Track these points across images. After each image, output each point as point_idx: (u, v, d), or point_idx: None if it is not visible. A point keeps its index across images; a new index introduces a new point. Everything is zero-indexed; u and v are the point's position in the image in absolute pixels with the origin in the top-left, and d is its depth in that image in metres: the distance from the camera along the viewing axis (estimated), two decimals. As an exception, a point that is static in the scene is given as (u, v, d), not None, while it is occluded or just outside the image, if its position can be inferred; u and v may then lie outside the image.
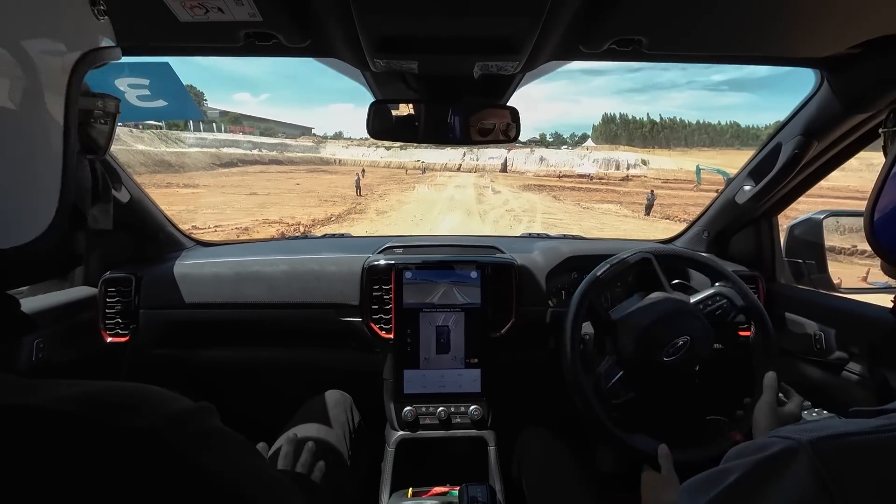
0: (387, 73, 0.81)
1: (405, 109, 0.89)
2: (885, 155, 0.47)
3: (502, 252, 1.24)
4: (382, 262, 1.14)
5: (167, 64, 0.99)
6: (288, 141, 70.27)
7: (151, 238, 1.21)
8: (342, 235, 1.66)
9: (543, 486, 0.92)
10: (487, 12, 0.59)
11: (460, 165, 55.85)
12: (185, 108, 1.17)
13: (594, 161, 52.30)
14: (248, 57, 0.81)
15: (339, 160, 57.76)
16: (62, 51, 0.34)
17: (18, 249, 0.33)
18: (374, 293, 1.14)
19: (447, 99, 0.89)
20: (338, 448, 0.92)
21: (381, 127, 0.89)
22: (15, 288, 0.39)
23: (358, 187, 24.06)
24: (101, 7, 0.38)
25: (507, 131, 0.93)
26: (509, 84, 0.89)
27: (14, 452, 0.24)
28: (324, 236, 1.57)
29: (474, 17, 0.61)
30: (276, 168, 43.66)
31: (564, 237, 1.52)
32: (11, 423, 0.25)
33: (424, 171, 51.23)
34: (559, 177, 44.94)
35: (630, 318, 0.94)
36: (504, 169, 53.92)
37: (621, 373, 0.91)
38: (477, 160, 55.93)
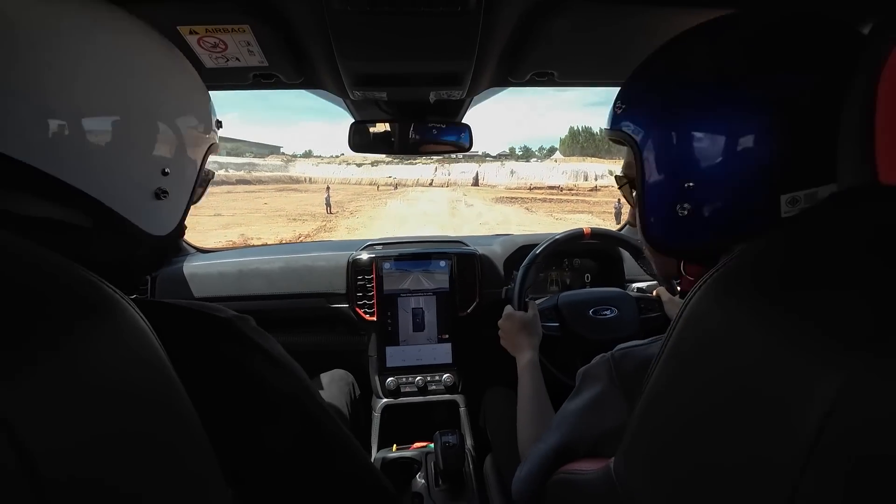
0: (363, 100, 1.04)
1: (380, 127, 1.12)
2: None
3: (467, 245, 1.46)
4: (365, 256, 1.35)
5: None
6: (256, 160, 69.25)
7: (155, 259, 1.39)
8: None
9: (502, 431, 1.13)
10: (434, 57, 0.81)
11: (432, 181, 56.34)
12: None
13: (563, 172, 53.82)
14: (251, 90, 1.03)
15: (310, 178, 57.23)
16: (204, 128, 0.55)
17: (161, 238, 0.49)
18: (359, 282, 1.34)
19: (412, 118, 1.12)
20: (342, 412, 1.11)
21: (360, 142, 1.12)
22: (151, 269, 0.58)
23: (328, 205, 23.95)
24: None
25: (462, 140, 1.18)
26: (461, 106, 1.13)
27: (178, 326, 0.41)
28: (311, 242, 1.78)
29: (424, 60, 0.83)
30: (244, 188, 42.88)
31: None
32: (171, 311, 0.45)
33: (396, 187, 51.46)
34: (530, 189, 45.93)
35: (574, 296, 1.18)
36: (476, 183, 54.76)
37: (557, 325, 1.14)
38: (449, 174, 56.57)
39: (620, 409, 0.49)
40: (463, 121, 1.21)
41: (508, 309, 1.02)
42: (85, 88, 0.40)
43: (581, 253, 1.58)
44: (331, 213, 22.73)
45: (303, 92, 1.10)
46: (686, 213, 0.44)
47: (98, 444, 0.24)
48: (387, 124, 1.12)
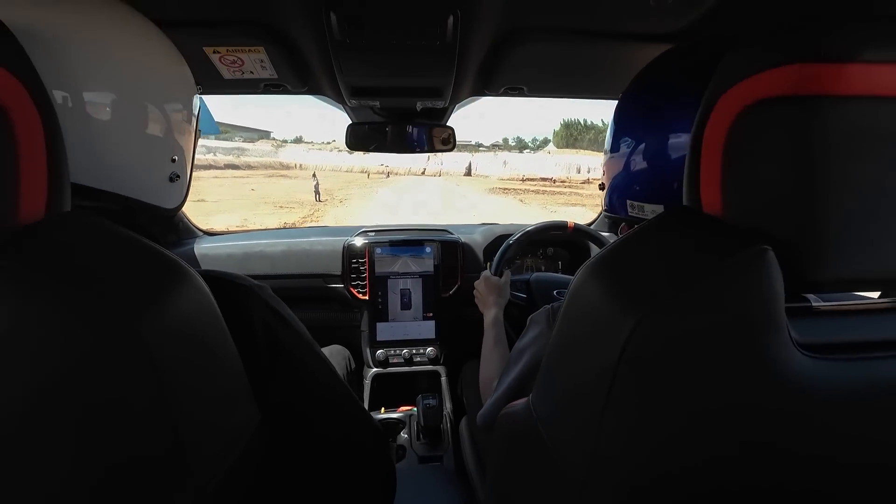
0: (360, 106, 1.20)
1: (373, 129, 1.29)
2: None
3: (451, 233, 1.63)
4: (359, 241, 1.51)
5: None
6: (245, 145, 68.05)
7: (174, 227, 1.55)
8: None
9: (477, 397, 1.30)
10: (418, 75, 0.96)
11: (424, 170, 56.03)
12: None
13: (556, 164, 53.87)
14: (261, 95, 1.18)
15: (300, 164, 56.53)
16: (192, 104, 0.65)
17: (171, 210, 0.59)
18: (353, 265, 1.50)
19: (403, 121, 1.29)
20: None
21: (356, 142, 1.29)
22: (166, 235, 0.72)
23: (317, 192, 23.59)
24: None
25: (446, 142, 1.35)
26: (445, 112, 1.29)
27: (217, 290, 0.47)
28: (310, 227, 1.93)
29: (410, 77, 0.98)
30: (232, 173, 41.87)
31: None
32: (210, 278, 0.55)
33: (388, 176, 51.09)
34: (522, 180, 45.83)
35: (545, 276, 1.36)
36: (468, 173, 54.63)
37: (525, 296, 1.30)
38: (441, 164, 56.27)
39: None
40: (448, 123, 1.38)
41: (486, 273, 1.19)
42: (113, 101, 0.47)
43: (556, 243, 1.76)
44: (319, 200, 22.11)
45: None
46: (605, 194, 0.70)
47: (185, 350, 0.39)
48: (378, 127, 1.29)
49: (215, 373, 0.43)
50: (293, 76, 1.01)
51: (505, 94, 1.15)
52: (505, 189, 33.67)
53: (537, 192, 32.48)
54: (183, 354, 0.38)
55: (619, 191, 0.66)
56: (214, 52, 0.91)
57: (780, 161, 0.35)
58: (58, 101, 0.43)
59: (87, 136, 0.46)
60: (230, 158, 53.88)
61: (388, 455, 0.72)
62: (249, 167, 50.60)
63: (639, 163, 0.61)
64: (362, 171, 54.60)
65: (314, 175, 30.79)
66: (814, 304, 0.42)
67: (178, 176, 0.58)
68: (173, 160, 0.57)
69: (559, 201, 25.18)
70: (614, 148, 0.66)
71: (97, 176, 0.47)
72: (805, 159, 0.34)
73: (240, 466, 0.45)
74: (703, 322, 0.34)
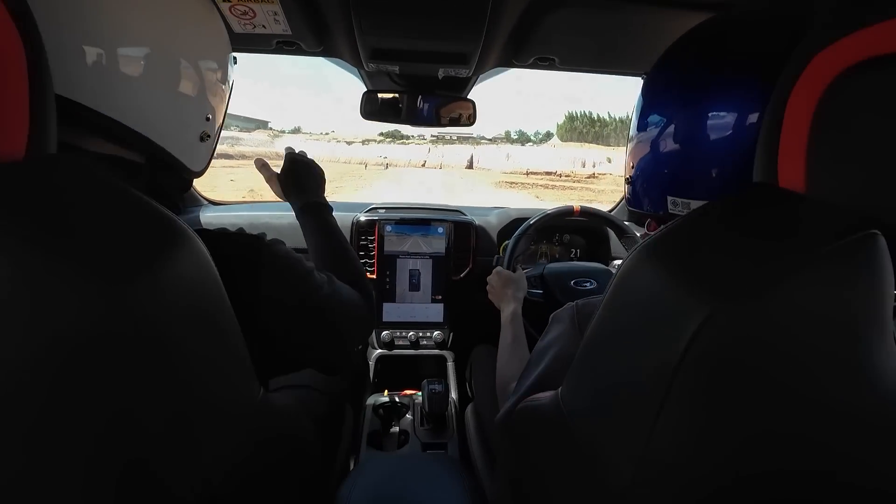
0: (377, 72, 1.16)
1: (390, 97, 1.25)
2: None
3: (464, 214, 1.60)
4: (368, 218, 1.48)
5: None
6: (241, 134, 68.01)
7: (183, 192, 1.52)
8: None
9: (485, 383, 1.26)
10: (444, 38, 0.92)
11: (425, 162, 56.02)
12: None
13: (560, 158, 53.83)
14: (272, 55, 1.14)
15: (298, 155, 56.37)
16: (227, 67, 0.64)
17: (196, 173, 0.59)
18: (361, 242, 1.47)
19: (421, 90, 1.24)
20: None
21: (371, 109, 1.25)
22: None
23: None
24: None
25: (467, 117, 1.31)
26: (468, 83, 1.25)
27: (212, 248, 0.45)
28: None
29: (435, 40, 0.94)
30: (224, 162, 41.71)
31: None
32: (230, 240, 0.54)
33: (387, 167, 51.06)
34: (527, 174, 45.92)
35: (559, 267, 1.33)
36: (470, 166, 54.63)
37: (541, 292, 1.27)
38: (442, 156, 56.27)
39: (577, 345, 0.63)
40: (469, 97, 1.34)
41: (499, 267, 1.17)
42: (145, 41, 0.46)
43: (571, 229, 1.72)
44: None
45: (295, 65, 1.21)
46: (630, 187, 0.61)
47: (183, 321, 0.36)
48: (395, 95, 1.24)
49: (216, 345, 0.41)
50: (308, 33, 0.97)
51: (534, 65, 1.11)
52: (511, 183, 33.44)
53: (545, 186, 32.13)
54: (181, 325, 0.36)
55: (655, 183, 0.57)
56: (224, 1, 0.88)
57: (892, 129, 0.30)
58: (92, 38, 0.42)
59: (124, 77, 0.44)
60: (224, 147, 53.71)
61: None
62: (243, 157, 50.45)
63: (691, 148, 0.52)
64: (360, 163, 54.51)
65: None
66: None
67: (209, 136, 0.57)
68: (207, 119, 0.56)
69: (572, 197, 24.82)
70: (641, 127, 0.58)
71: (132, 115, 0.45)
72: None
73: (245, 447, 0.44)
74: (793, 319, 0.29)
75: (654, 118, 0.55)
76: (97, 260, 0.31)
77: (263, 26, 0.98)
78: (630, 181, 0.60)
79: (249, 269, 0.52)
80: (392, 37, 0.96)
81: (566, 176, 44.51)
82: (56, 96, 0.37)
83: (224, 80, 0.59)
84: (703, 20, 0.57)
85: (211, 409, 0.39)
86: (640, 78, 1.24)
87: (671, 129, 0.52)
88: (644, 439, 0.34)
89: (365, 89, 1.27)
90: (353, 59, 1.09)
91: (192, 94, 0.52)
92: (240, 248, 0.54)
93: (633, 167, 0.59)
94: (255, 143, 63.75)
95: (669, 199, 0.53)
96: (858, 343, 0.29)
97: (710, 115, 0.48)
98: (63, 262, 0.30)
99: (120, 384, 0.32)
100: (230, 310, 0.43)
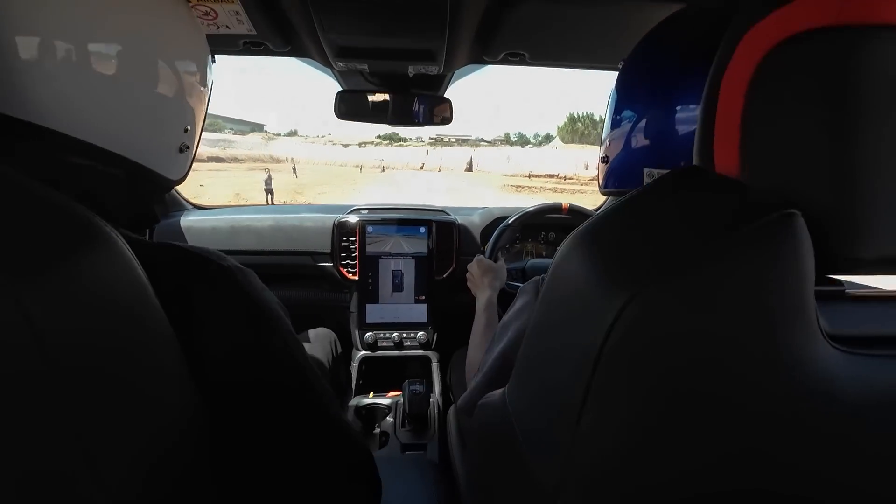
0: (349, 71, 1.17)
1: (363, 97, 1.26)
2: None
3: (447, 214, 1.61)
4: (350, 219, 1.49)
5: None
6: (234, 137, 67.88)
7: (160, 200, 1.52)
8: None
9: (465, 386, 1.28)
10: (407, 35, 0.93)
11: (423, 164, 56.05)
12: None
13: (562, 160, 53.81)
14: (242, 56, 1.15)
15: (292, 158, 56.43)
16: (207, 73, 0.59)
17: (173, 181, 0.57)
18: (343, 243, 1.48)
19: (395, 89, 1.25)
20: (324, 366, 1.25)
21: (345, 110, 1.26)
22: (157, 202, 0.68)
23: (269, 192, 20.03)
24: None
25: (442, 115, 1.32)
26: (442, 80, 1.27)
27: (176, 265, 0.45)
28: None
29: (398, 37, 0.94)
30: (211, 166, 41.00)
31: None
32: (173, 253, 0.48)
33: (383, 170, 51.09)
34: (528, 176, 45.86)
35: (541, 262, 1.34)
36: (469, 168, 54.65)
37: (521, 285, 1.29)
38: (441, 159, 56.28)
39: None
40: (445, 95, 1.35)
41: (480, 255, 1.18)
42: (127, 59, 0.44)
43: (558, 228, 1.73)
44: (272, 203, 19.53)
45: (292, 66, 1.21)
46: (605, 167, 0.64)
47: (90, 334, 0.33)
48: (372, 95, 1.26)
49: (134, 356, 0.37)
50: (273, 33, 0.98)
51: (505, 60, 1.12)
52: (518, 186, 32.77)
53: (553, 190, 31.57)
54: (87, 333, 0.33)
55: (632, 158, 0.58)
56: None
57: (817, 109, 0.29)
58: (62, 52, 0.40)
59: (95, 90, 0.43)
60: (215, 151, 53.57)
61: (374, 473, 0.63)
62: (236, 160, 50.30)
63: (661, 123, 0.55)
64: (356, 166, 54.50)
65: (267, 170, 27.41)
66: (847, 289, 0.38)
67: (188, 147, 0.56)
68: (185, 130, 0.55)
69: (582, 201, 24.33)
70: (618, 110, 0.61)
71: (104, 134, 0.44)
72: (851, 106, 0.28)
73: (167, 464, 0.39)
74: (711, 303, 0.28)
75: (629, 100, 0.59)
76: None
77: (227, 27, 0.97)
78: (607, 161, 0.64)
79: (186, 280, 0.46)
80: (354, 34, 0.96)
81: (570, 179, 44.29)
82: (25, 123, 0.36)
83: (203, 82, 0.57)
84: (671, 13, 0.60)
85: (119, 428, 0.35)
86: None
87: (642, 123, 0.55)
88: (570, 435, 0.32)
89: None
90: (321, 58, 1.10)
91: (168, 109, 0.51)
92: (181, 260, 0.48)
93: (607, 147, 0.63)
94: (249, 145, 63.39)
95: (646, 171, 0.56)
96: (781, 324, 0.29)
97: (677, 108, 0.51)
98: None
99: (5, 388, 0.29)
100: (160, 319, 0.40)
